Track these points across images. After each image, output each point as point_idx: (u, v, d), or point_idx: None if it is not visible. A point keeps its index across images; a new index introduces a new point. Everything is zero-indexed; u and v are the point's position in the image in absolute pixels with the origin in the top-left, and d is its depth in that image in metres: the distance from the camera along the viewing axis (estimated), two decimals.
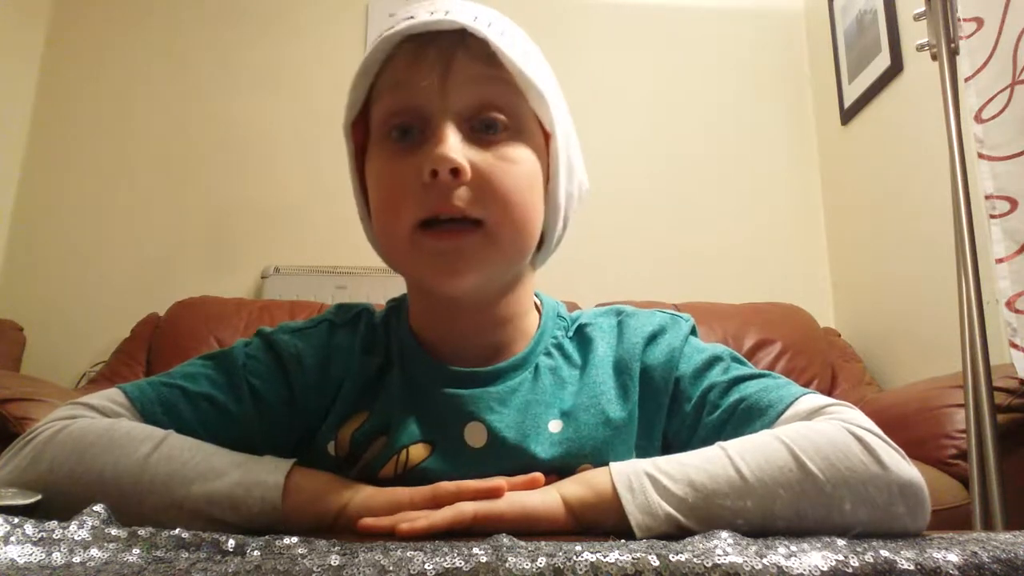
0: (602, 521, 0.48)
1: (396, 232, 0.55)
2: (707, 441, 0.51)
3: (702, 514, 0.45)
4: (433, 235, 0.54)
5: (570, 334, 0.66)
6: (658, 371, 0.61)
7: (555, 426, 0.59)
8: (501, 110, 0.55)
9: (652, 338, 0.63)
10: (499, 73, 0.55)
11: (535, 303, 0.67)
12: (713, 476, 0.46)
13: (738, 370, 0.60)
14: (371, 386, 0.61)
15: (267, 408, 0.59)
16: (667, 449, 0.61)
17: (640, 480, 0.48)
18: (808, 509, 0.45)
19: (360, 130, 0.60)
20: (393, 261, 0.60)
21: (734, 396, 0.57)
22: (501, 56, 0.54)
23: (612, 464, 0.50)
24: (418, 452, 0.58)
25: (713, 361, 0.61)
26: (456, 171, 0.52)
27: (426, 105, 0.54)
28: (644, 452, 0.61)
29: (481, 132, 0.55)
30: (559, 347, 0.64)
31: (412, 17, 0.55)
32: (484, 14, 0.55)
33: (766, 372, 0.60)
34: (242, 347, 0.62)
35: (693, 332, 0.65)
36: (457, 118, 0.54)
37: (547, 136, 0.59)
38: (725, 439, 0.50)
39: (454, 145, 0.52)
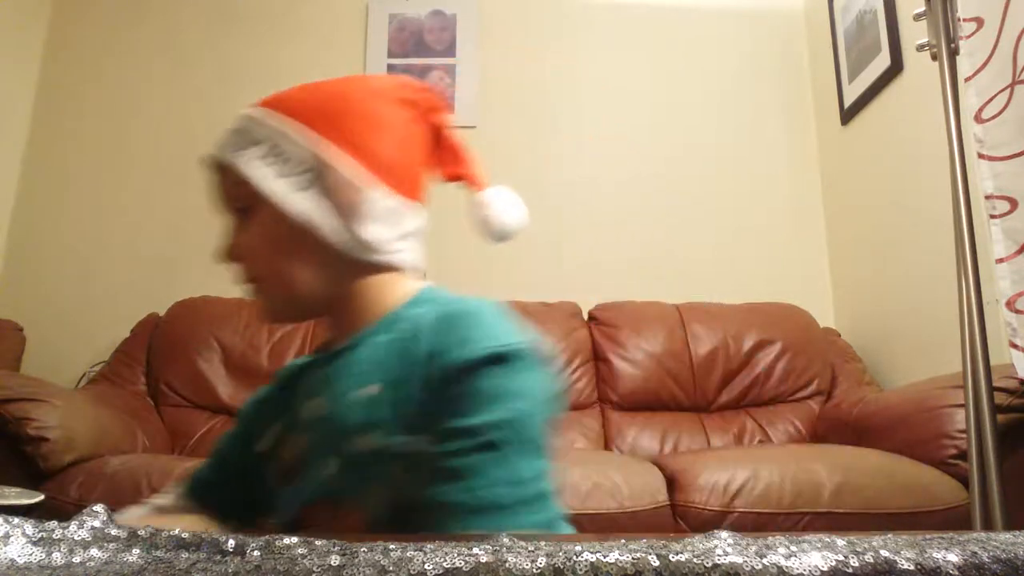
0: None
1: None
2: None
3: None
4: None
5: (408, 318, 0.66)
6: (438, 379, 0.59)
7: (364, 394, 0.63)
8: (239, 200, 0.69)
9: (460, 343, 0.60)
10: (235, 176, 0.68)
11: (404, 293, 0.70)
12: None
13: (471, 443, 0.56)
14: (281, 405, 0.74)
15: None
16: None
17: None
18: None
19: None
20: None
21: (440, 459, 0.56)
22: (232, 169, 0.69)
23: None
24: (301, 440, 0.68)
25: (475, 408, 0.57)
26: (229, 256, 0.69)
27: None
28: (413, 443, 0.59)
29: (242, 215, 0.69)
30: (392, 328, 0.66)
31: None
32: (238, 130, 0.69)
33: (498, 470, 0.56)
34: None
35: (520, 366, 0.59)
36: (230, 211, 0.71)
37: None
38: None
39: (225, 236, 0.69)
